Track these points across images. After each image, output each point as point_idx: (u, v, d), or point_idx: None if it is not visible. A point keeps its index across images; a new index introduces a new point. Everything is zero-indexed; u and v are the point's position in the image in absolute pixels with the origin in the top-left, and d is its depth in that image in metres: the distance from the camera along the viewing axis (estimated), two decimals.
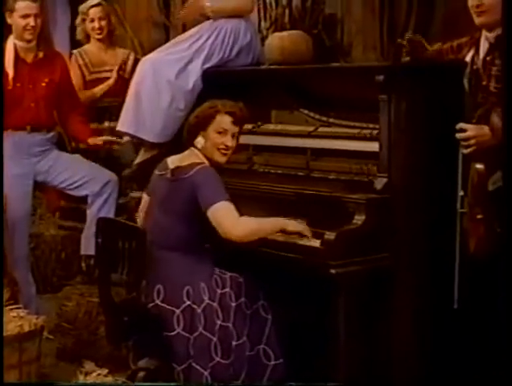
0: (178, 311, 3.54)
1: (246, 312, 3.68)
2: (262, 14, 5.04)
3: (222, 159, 3.73)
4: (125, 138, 5.17)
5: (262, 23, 5.03)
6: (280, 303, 3.76)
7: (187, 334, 3.53)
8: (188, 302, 3.56)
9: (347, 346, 3.50)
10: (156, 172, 3.81)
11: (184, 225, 3.61)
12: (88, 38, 5.42)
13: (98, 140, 4.93)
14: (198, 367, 3.53)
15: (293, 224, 3.59)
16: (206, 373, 3.53)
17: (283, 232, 3.59)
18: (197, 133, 3.72)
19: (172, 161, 3.74)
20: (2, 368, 3.60)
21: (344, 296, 3.43)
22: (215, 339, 3.56)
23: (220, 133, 3.70)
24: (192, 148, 3.74)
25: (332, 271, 3.38)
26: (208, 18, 4.66)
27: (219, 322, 3.58)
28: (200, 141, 3.71)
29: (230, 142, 3.72)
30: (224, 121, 3.71)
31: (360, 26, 4.86)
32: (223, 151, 3.71)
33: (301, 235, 3.58)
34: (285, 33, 4.63)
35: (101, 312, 4.42)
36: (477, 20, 3.54)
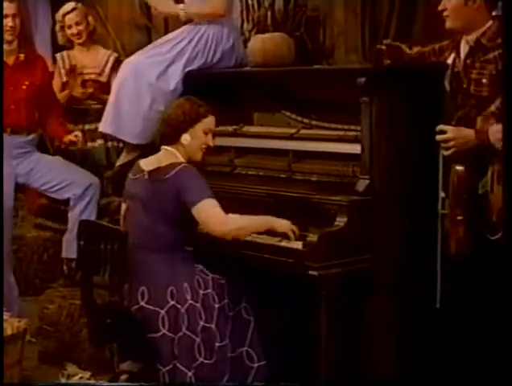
0: (163, 312, 3.54)
1: (229, 314, 3.68)
2: (244, 16, 5.04)
3: (200, 158, 3.76)
4: (98, 141, 5.19)
5: (245, 25, 5.02)
6: (263, 305, 3.77)
7: (171, 335, 3.54)
8: (172, 302, 3.56)
9: (329, 347, 3.50)
10: (130, 176, 3.79)
11: (167, 226, 3.61)
12: (71, 42, 5.41)
13: (72, 135, 4.91)
14: (182, 368, 3.54)
15: (281, 225, 3.59)
16: (190, 373, 3.54)
17: (271, 230, 3.60)
18: (186, 129, 3.70)
19: (147, 163, 3.73)
20: (2, 368, 3.60)
21: (326, 297, 3.43)
22: (198, 340, 3.56)
23: (206, 133, 3.73)
24: (167, 147, 3.72)
25: (315, 273, 3.39)
26: (190, 21, 4.68)
27: (202, 323, 3.59)
28: (186, 138, 3.70)
29: (212, 143, 3.76)
30: (212, 121, 3.75)
31: (342, 28, 4.87)
32: (204, 150, 3.74)
33: (286, 236, 3.59)
34: (267, 35, 4.63)
35: (83, 314, 4.41)
36: (446, 24, 3.60)
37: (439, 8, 3.60)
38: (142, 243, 3.61)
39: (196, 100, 3.77)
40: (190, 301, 3.58)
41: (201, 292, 3.63)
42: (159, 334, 3.53)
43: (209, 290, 3.65)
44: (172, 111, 3.77)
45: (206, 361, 3.57)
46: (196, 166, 3.71)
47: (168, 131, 3.74)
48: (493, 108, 3.40)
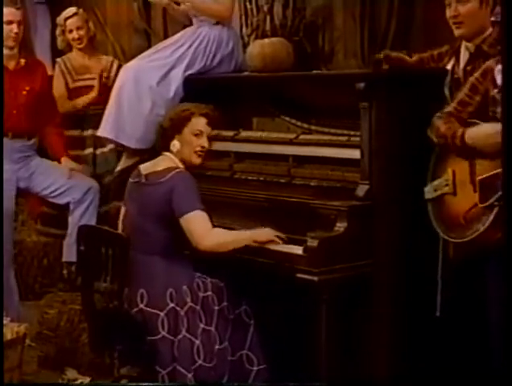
0: (162, 314, 3.56)
1: (229, 317, 3.70)
2: (243, 21, 5.04)
3: (198, 161, 3.77)
4: (109, 147, 5.20)
5: (244, 30, 5.02)
6: (263, 309, 3.77)
7: (171, 337, 3.55)
8: (172, 305, 3.58)
9: (328, 352, 3.50)
10: (130, 180, 3.83)
11: (164, 228, 3.63)
12: (70, 47, 5.42)
13: (69, 164, 4.95)
14: (182, 370, 3.54)
15: (263, 235, 3.62)
16: (189, 376, 3.55)
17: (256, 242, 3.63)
18: (173, 136, 3.74)
19: (145, 167, 3.77)
20: (2, 368, 3.60)
21: (326, 302, 3.43)
22: (198, 342, 3.57)
23: (196, 135, 3.74)
24: (166, 153, 3.76)
25: (315, 278, 3.39)
26: (191, 24, 4.69)
27: (202, 326, 3.61)
28: (175, 144, 3.74)
29: (206, 144, 3.77)
30: (199, 122, 3.76)
31: (341, 32, 4.87)
32: (199, 153, 3.76)
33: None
34: (266, 40, 4.62)
35: (83, 319, 4.42)
36: (456, 32, 3.56)
37: (452, 14, 3.54)
38: (139, 246, 3.62)
39: (184, 104, 3.84)
40: (190, 304, 3.60)
41: (201, 294, 3.65)
42: (159, 336, 3.55)
43: (209, 293, 3.67)
44: (163, 119, 3.85)
45: (205, 364, 3.58)
46: (196, 169, 3.74)
47: (159, 140, 3.83)
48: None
